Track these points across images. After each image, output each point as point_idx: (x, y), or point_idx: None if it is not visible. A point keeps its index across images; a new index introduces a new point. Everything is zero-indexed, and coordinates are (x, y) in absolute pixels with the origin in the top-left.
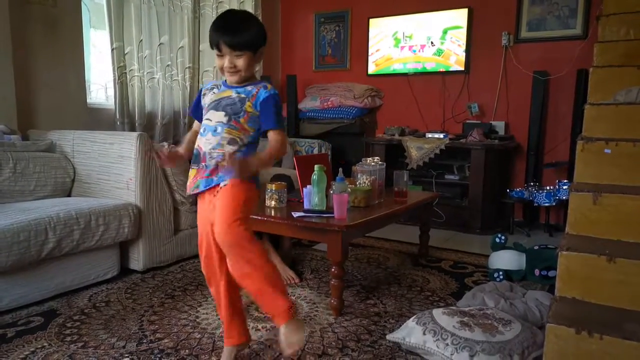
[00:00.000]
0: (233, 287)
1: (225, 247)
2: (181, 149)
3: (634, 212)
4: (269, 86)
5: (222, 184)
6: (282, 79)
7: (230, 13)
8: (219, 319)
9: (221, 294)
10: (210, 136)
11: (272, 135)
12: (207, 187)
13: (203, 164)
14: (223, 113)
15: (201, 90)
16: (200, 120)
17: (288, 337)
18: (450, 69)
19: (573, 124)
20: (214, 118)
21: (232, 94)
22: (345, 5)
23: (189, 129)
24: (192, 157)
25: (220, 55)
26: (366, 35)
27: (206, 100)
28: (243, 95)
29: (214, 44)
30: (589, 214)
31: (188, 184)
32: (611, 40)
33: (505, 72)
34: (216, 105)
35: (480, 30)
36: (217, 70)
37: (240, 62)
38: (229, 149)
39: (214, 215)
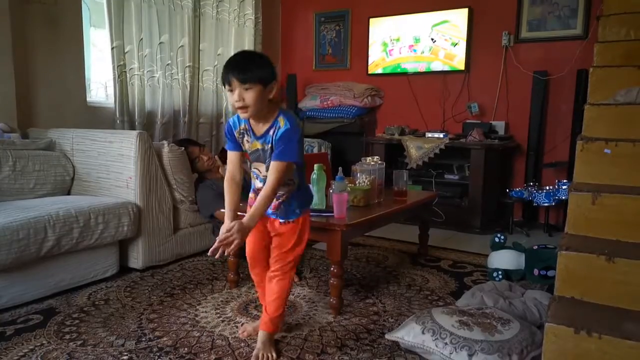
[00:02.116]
0: None
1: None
2: (236, 230)
3: (634, 212)
4: (281, 122)
5: (287, 220)
6: (283, 78)
7: (241, 52)
8: (260, 303)
9: (265, 281)
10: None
11: (272, 165)
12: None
13: None
14: (265, 167)
15: (232, 133)
16: (239, 149)
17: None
18: (447, 68)
19: (573, 124)
20: (262, 170)
21: (263, 146)
22: (345, 4)
23: (188, 128)
24: (248, 186)
25: (231, 91)
26: (366, 34)
27: (246, 147)
28: (270, 144)
29: (225, 81)
30: (588, 214)
31: (249, 205)
32: (611, 41)
33: (505, 72)
34: (256, 158)
35: (481, 30)
36: (218, 72)
37: (249, 96)
38: (284, 190)
39: (266, 226)
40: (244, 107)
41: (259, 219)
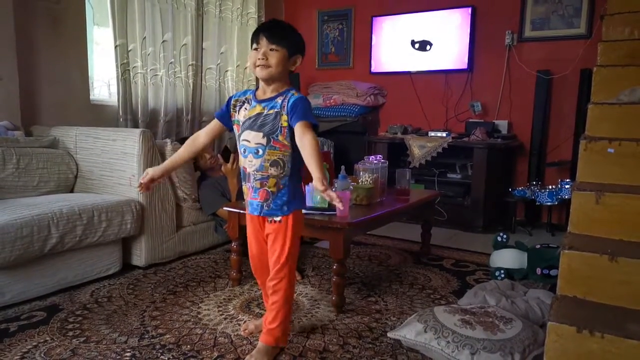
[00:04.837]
0: None
1: (269, 278)
2: (155, 173)
3: (637, 211)
4: (295, 92)
5: (273, 219)
6: None
7: (280, 20)
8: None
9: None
10: (252, 158)
11: (298, 127)
12: (257, 214)
13: (249, 184)
14: (261, 134)
15: (230, 100)
16: (225, 123)
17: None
18: (451, 67)
19: (576, 123)
20: (252, 139)
21: (264, 110)
22: (348, 3)
23: (191, 127)
24: (241, 175)
25: (256, 49)
26: (369, 33)
27: (240, 117)
28: (276, 110)
29: (254, 39)
30: (591, 213)
31: (245, 200)
32: (615, 40)
33: (508, 71)
34: (251, 125)
35: (484, 29)
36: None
37: (273, 57)
38: (273, 171)
39: (264, 231)
40: (265, 66)
41: (322, 167)
